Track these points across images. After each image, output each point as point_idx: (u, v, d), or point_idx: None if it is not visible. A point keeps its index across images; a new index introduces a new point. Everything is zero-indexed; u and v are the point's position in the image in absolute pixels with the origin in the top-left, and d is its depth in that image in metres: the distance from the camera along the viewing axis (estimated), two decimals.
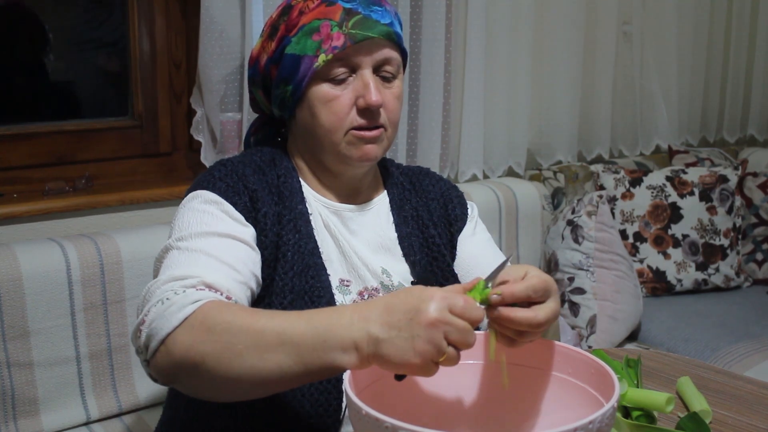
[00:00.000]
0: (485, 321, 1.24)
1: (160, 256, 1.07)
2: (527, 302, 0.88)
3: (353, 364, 0.83)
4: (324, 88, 1.14)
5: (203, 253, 1.02)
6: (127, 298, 1.62)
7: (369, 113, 1.15)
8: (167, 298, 0.93)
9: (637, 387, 1.21)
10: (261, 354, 0.85)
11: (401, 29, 1.20)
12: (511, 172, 2.52)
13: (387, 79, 1.17)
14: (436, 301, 0.81)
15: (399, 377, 0.88)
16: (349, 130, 1.15)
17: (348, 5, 1.14)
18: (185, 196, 1.16)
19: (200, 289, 0.95)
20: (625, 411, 1.14)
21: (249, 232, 1.10)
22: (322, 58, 1.13)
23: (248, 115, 1.88)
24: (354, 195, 1.25)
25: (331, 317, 0.85)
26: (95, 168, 1.89)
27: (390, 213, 1.27)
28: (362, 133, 1.15)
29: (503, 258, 1.31)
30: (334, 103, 1.14)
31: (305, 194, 1.20)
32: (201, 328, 0.89)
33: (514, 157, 2.49)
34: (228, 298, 0.98)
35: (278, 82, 1.18)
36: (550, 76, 2.52)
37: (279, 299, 1.11)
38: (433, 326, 0.79)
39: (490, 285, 0.89)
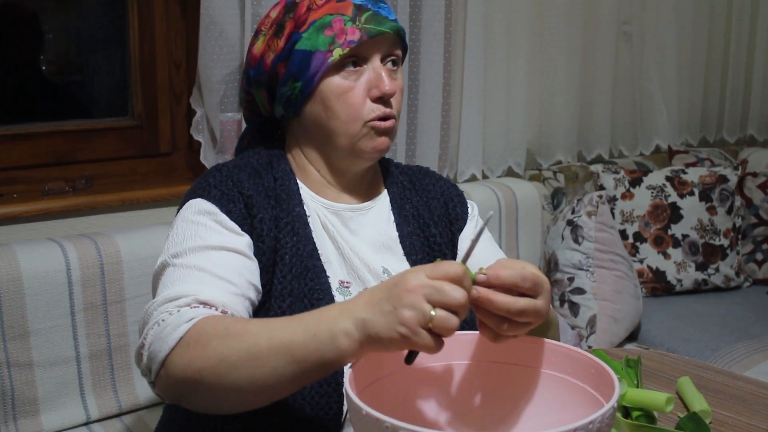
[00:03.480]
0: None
1: (157, 273, 1.08)
2: (516, 292, 0.86)
3: (346, 353, 0.83)
4: (336, 81, 1.15)
5: (197, 269, 1.03)
6: (127, 298, 1.62)
7: (383, 102, 1.16)
8: (162, 320, 0.94)
9: (637, 387, 1.21)
10: (255, 361, 0.86)
11: None
12: (510, 172, 2.52)
13: (393, 69, 1.19)
14: (413, 271, 0.81)
15: (408, 360, 0.86)
16: (366, 123, 1.16)
17: (358, 1, 1.16)
18: (181, 203, 1.16)
19: (194, 307, 0.96)
20: (625, 411, 1.14)
21: (244, 241, 1.10)
22: (337, 52, 1.13)
23: None
24: (354, 194, 1.25)
25: (321, 312, 0.86)
26: (95, 168, 1.89)
27: (391, 212, 1.27)
28: (379, 123, 1.16)
29: (503, 257, 1.31)
30: (349, 95, 1.15)
31: (303, 196, 1.20)
32: (196, 346, 0.90)
33: (514, 157, 2.49)
34: (223, 312, 0.98)
35: (286, 79, 1.18)
36: (549, 76, 2.52)
37: (278, 303, 1.11)
38: (411, 292, 0.79)
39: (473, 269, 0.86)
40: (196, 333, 0.91)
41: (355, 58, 1.15)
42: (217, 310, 0.98)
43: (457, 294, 0.79)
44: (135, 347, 0.98)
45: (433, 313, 0.78)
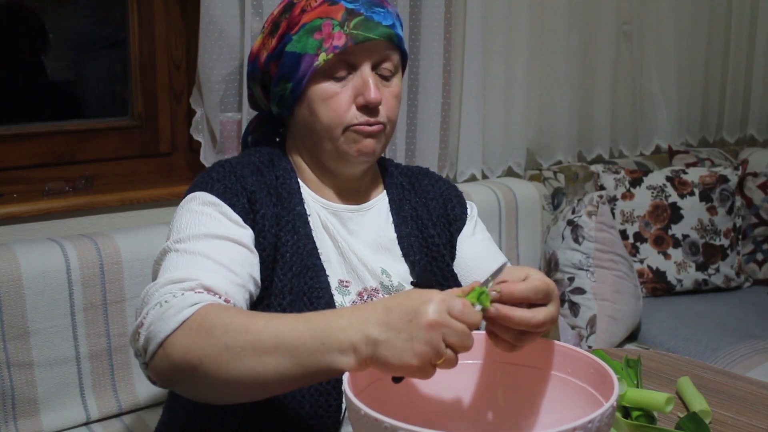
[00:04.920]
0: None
1: (158, 259, 1.07)
2: (527, 304, 0.88)
3: (351, 366, 0.83)
4: (323, 86, 1.15)
5: (201, 256, 1.02)
6: (127, 298, 1.62)
7: (368, 111, 1.15)
8: (165, 301, 0.93)
9: (637, 387, 1.21)
10: (259, 356, 0.85)
11: (402, 31, 1.21)
12: (510, 172, 2.52)
13: (385, 77, 1.18)
14: (435, 303, 0.81)
15: (396, 379, 0.88)
16: (348, 127, 1.15)
17: (350, 5, 1.14)
18: (184, 197, 1.16)
19: (198, 292, 0.95)
20: (625, 411, 1.14)
21: (247, 233, 1.10)
22: (322, 56, 1.13)
23: (248, 115, 1.88)
24: (353, 195, 1.25)
25: (330, 319, 0.85)
26: (95, 168, 1.89)
27: (389, 213, 1.27)
28: (362, 127, 1.15)
29: (503, 258, 1.32)
30: (334, 100, 1.15)
31: (304, 195, 1.21)
32: (199, 331, 0.89)
33: (514, 157, 2.49)
34: (226, 300, 0.98)
35: (278, 80, 1.18)
36: (549, 76, 2.52)
37: (278, 300, 1.11)
38: (431, 328, 0.79)
39: (490, 285, 0.88)
40: (200, 318, 0.90)
41: (344, 64, 1.14)
42: (220, 297, 0.97)
43: (470, 342, 0.82)
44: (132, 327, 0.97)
45: (446, 352, 0.80)
